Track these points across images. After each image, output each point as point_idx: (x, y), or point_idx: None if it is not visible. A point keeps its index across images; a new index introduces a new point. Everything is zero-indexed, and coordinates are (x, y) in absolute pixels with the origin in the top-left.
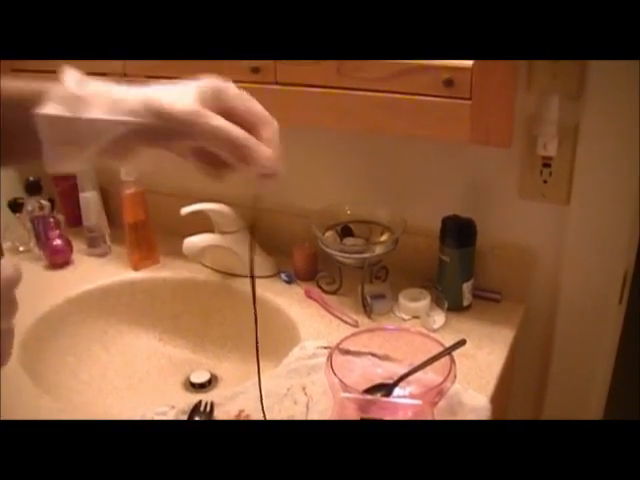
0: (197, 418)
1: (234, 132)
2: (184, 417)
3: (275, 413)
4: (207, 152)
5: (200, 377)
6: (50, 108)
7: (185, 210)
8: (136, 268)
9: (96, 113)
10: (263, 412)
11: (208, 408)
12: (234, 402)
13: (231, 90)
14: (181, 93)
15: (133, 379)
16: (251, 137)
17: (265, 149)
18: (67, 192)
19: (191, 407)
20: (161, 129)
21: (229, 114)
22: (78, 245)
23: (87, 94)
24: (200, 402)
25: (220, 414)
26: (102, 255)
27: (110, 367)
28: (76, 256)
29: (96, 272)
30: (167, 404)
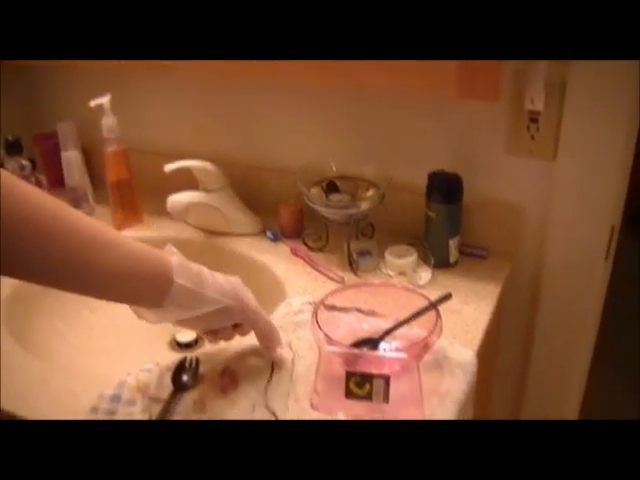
0: (182, 375)
1: (272, 328)
2: (169, 373)
3: (261, 368)
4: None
5: (186, 337)
6: (185, 281)
7: (168, 167)
8: (120, 228)
9: (210, 291)
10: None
11: (193, 364)
12: (219, 359)
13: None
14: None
15: (120, 340)
16: (277, 332)
17: (280, 339)
18: (49, 152)
19: (176, 363)
20: (239, 313)
21: None
22: None
23: (203, 273)
24: (185, 358)
25: (206, 370)
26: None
27: (96, 328)
28: None
29: None
30: (153, 361)
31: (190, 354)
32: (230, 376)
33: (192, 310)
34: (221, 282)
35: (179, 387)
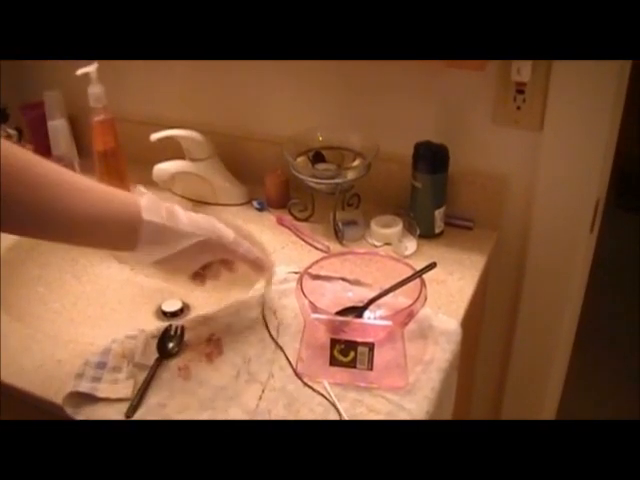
0: (167, 342)
1: (255, 254)
2: (154, 341)
3: (246, 336)
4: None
5: (172, 306)
6: (154, 217)
7: (155, 136)
8: None
9: (183, 225)
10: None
11: (179, 331)
12: (204, 327)
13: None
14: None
15: (105, 308)
16: (265, 257)
17: (270, 261)
18: (35, 121)
19: (162, 330)
20: (218, 245)
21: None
22: None
23: (175, 209)
24: (170, 326)
25: (191, 337)
26: None
27: (82, 296)
28: None
29: None
30: (138, 328)
31: (176, 322)
32: (215, 343)
33: (168, 247)
34: (196, 217)
35: (164, 354)
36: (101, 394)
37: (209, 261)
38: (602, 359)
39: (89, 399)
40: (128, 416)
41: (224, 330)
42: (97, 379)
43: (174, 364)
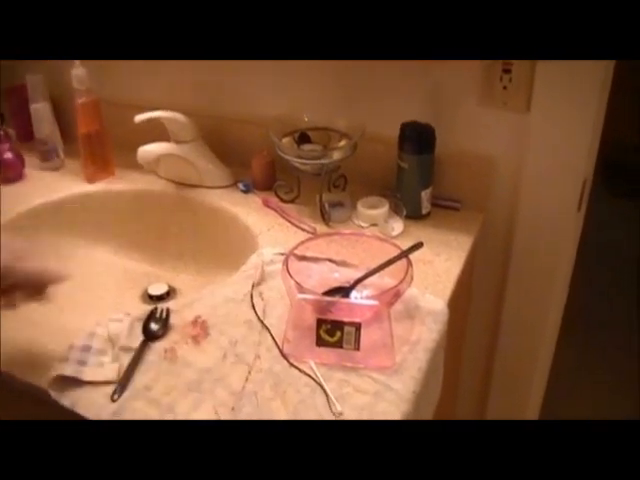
0: (153, 324)
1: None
2: (140, 324)
3: (232, 318)
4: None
5: (158, 289)
6: None
7: (139, 117)
8: (91, 181)
9: None
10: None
11: (164, 314)
12: (190, 309)
13: None
14: None
15: (91, 293)
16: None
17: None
18: (18, 105)
19: (147, 313)
20: None
21: None
22: (31, 160)
23: None
24: (156, 308)
25: (176, 320)
26: (56, 169)
27: (67, 282)
28: (29, 171)
29: (50, 186)
30: (123, 311)
31: (161, 305)
32: (201, 325)
33: None
34: None
35: (150, 336)
36: (86, 377)
37: None
38: (589, 341)
39: (74, 383)
40: (114, 399)
41: (210, 312)
42: (82, 362)
43: (160, 346)
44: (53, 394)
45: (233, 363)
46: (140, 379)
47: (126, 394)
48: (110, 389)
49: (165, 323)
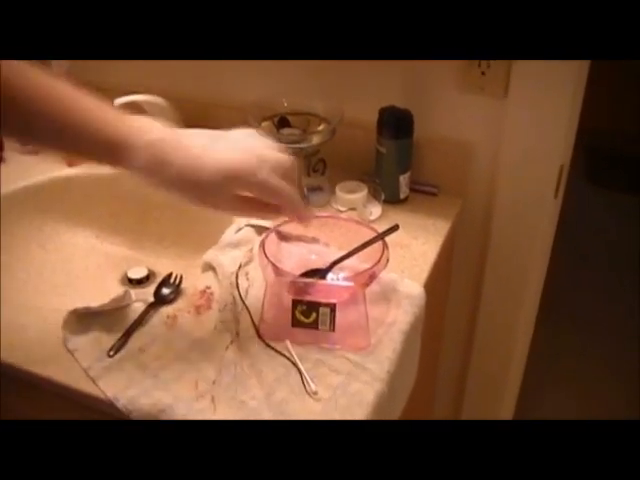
0: (164, 289)
1: (291, 194)
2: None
3: (226, 295)
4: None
5: (137, 273)
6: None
7: (118, 101)
8: (71, 165)
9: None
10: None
11: (177, 280)
12: (202, 277)
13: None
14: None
15: (70, 276)
16: (299, 200)
17: (305, 207)
18: None
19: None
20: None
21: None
22: (10, 144)
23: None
24: (171, 274)
25: (188, 287)
26: (35, 153)
27: (47, 265)
28: (8, 154)
29: (29, 170)
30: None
31: (142, 291)
32: (207, 297)
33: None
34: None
35: (159, 299)
36: (96, 305)
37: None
38: (565, 328)
39: (83, 330)
40: (110, 355)
41: (220, 284)
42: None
43: (165, 311)
44: (64, 334)
45: (220, 335)
46: (138, 340)
47: (122, 353)
48: (108, 347)
49: (176, 289)
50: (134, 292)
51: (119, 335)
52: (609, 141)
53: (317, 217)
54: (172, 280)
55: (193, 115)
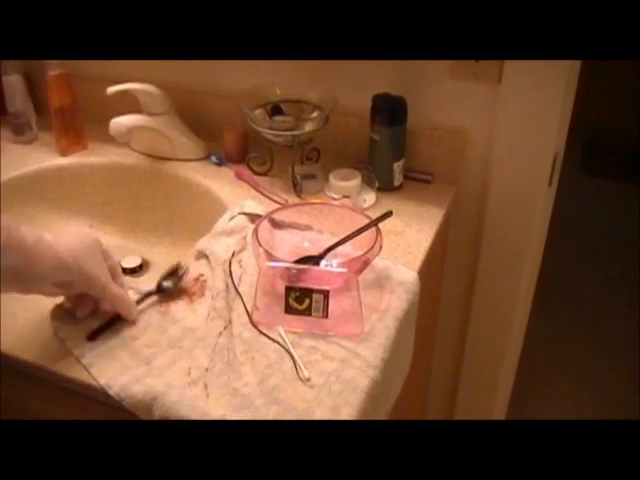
0: (165, 282)
1: (122, 300)
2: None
3: (210, 284)
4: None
5: (131, 262)
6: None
7: (111, 89)
8: (64, 154)
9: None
10: None
11: (182, 273)
12: (198, 266)
13: (106, 251)
14: (94, 256)
15: None
16: (130, 301)
17: (134, 305)
18: None
19: (169, 268)
20: (80, 285)
21: None
22: (4, 133)
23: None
24: (179, 264)
25: (188, 279)
26: (28, 142)
27: None
28: (1, 144)
29: (22, 159)
30: None
31: (136, 281)
32: (200, 285)
33: (23, 286)
34: (63, 256)
35: (159, 289)
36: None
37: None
38: (560, 317)
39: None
40: (89, 338)
41: (213, 272)
42: None
43: (160, 300)
44: (53, 324)
45: (212, 324)
46: (130, 329)
47: (114, 341)
48: (98, 349)
49: (178, 282)
50: (126, 280)
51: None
52: (605, 132)
53: (310, 204)
54: (180, 273)
55: (186, 103)
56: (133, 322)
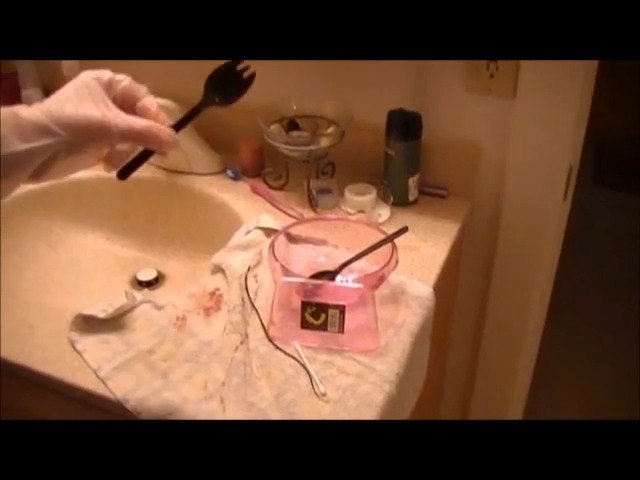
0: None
1: (138, 127)
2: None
3: (226, 298)
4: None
5: (147, 275)
6: None
7: None
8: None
9: (13, 145)
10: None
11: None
12: (211, 279)
13: (111, 78)
14: (79, 97)
15: (80, 278)
16: (152, 124)
17: (165, 129)
18: (9, 92)
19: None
20: (76, 141)
21: (118, 99)
22: None
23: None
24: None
25: (197, 288)
26: None
27: (57, 266)
28: None
29: None
30: (108, 303)
31: (151, 294)
32: (217, 299)
33: (11, 174)
34: (38, 121)
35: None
36: (102, 315)
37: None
38: (575, 329)
39: (91, 331)
40: (119, 176)
41: (229, 286)
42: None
43: (173, 312)
44: (72, 335)
45: (229, 337)
46: (146, 343)
47: (130, 353)
48: (116, 348)
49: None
50: (142, 293)
51: (128, 336)
52: (618, 143)
53: (326, 220)
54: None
55: (203, 117)
56: (167, 148)
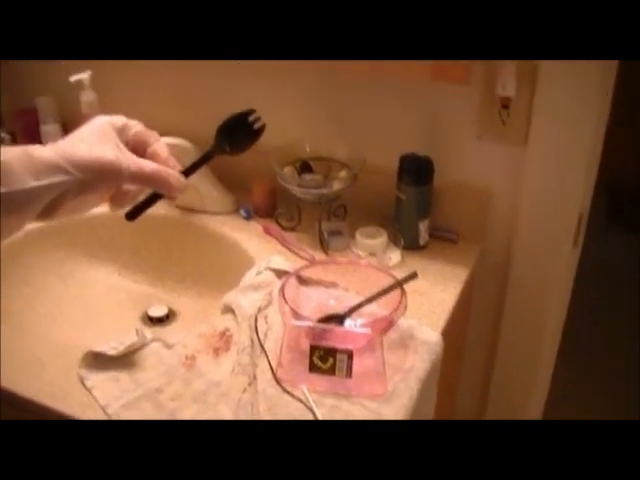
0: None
1: (148, 170)
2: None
3: (235, 339)
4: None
5: (158, 311)
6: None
7: None
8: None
9: (25, 181)
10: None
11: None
12: (221, 319)
13: (125, 124)
14: (93, 139)
15: (90, 312)
16: (162, 168)
17: (175, 174)
18: (29, 127)
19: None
20: (88, 181)
21: (130, 144)
22: None
23: (7, 161)
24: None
25: (207, 328)
26: None
27: (67, 299)
28: None
29: None
30: (119, 340)
31: (162, 330)
32: (226, 339)
33: (22, 210)
34: (49, 160)
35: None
36: (112, 352)
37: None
38: (586, 374)
39: (100, 368)
40: (127, 217)
41: (239, 327)
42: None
43: (182, 351)
44: (81, 372)
45: (237, 379)
46: (155, 382)
47: (138, 392)
48: (126, 386)
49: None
50: (152, 329)
51: (137, 374)
52: (631, 181)
53: (337, 263)
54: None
55: (216, 158)
56: (176, 192)
